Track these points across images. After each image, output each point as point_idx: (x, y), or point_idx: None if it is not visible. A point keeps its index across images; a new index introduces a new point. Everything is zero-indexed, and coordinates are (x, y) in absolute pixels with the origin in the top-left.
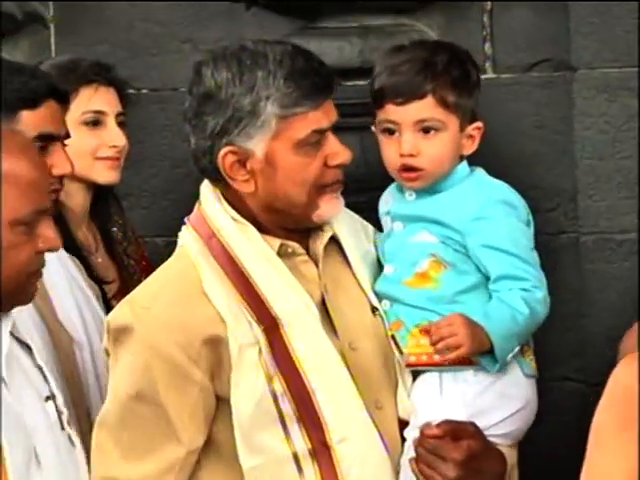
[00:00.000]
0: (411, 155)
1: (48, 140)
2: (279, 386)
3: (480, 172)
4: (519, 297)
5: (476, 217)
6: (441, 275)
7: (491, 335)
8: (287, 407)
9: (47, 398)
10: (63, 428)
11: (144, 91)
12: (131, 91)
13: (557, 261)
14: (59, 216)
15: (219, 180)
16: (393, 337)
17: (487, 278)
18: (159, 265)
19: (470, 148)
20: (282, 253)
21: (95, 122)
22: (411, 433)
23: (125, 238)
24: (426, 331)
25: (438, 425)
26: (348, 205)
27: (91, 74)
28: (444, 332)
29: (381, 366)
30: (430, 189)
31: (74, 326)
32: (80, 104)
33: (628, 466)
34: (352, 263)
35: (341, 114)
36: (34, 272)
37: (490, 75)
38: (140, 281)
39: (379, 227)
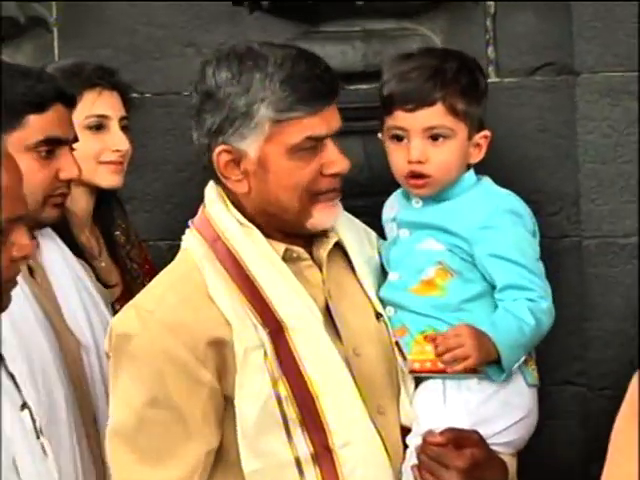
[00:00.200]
0: (419, 162)
1: (55, 144)
2: (284, 389)
3: (487, 181)
4: (525, 307)
5: (483, 226)
6: (447, 283)
7: (498, 345)
8: (290, 411)
9: (22, 407)
10: (38, 437)
11: (147, 95)
12: (134, 95)
13: (559, 265)
14: (62, 220)
15: (220, 180)
16: (397, 343)
17: (493, 287)
18: (162, 269)
19: (477, 156)
20: (287, 258)
21: (98, 126)
22: (413, 440)
23: (128, 242)
24: (432, 340)
25: (441, 433)
26: (350, 209)
27: (95, 78)
28: (451, 343)
29: (384, 372)
30: (437, 197)
31: (81, 329)
32: (84, 108)
33: None
34: (356, 269)
35: (344, 118)
36: (8, 280)
37: (493, 79)
38: (143, 285)
39: (380, 232)
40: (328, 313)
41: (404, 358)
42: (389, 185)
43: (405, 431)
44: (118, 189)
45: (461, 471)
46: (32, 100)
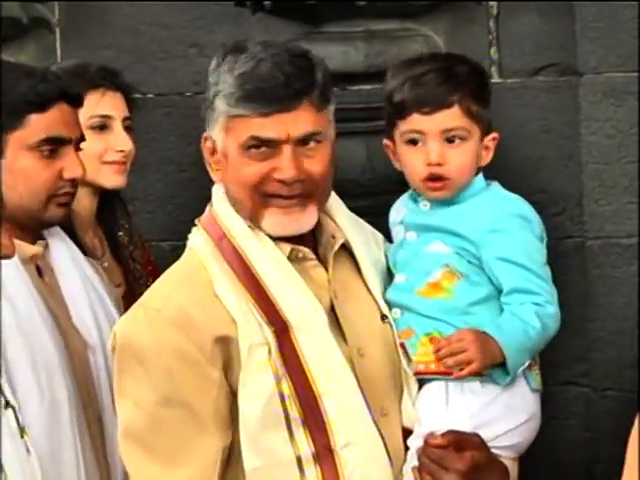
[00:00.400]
0: (438, 164)
1: (58, 143)
2: (287, 388)
3: (496, 185)
4: (532, 311)
5: (491, 229)
6: (454, 286)
7: (504, 348)
8: (293, 409)
9: (6, 405)
10: (22, 436)
11: (150, 96)
12: (137, 96)
13: (563, 265)
14: (66, 220)
15: None
16: (402, 345)
17: (499, 290)
18: (165, 269)
19: (486, 159)
20: (292, 257)
21: (102, 126)
22: (415, 442)
23: (131, 242)
24: (434, 341)
25: (443, 435)
26: (352, 210)
27: (98, 79)
28: (455, 348)
29: (388, 373)
30: (446, 200)
31: (88, 330)
32: (87, 109)
33: None
34: (363, 270)
35: (346, 119)
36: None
37: (496, 80)
38: (146, 286)
39: (383, 232)
40: (333, 313)
41: (409, 360)
42: (391, 185)
43: (407, 433)
44: (121, 189)
45: (461, 474)
46: (33, 99)
